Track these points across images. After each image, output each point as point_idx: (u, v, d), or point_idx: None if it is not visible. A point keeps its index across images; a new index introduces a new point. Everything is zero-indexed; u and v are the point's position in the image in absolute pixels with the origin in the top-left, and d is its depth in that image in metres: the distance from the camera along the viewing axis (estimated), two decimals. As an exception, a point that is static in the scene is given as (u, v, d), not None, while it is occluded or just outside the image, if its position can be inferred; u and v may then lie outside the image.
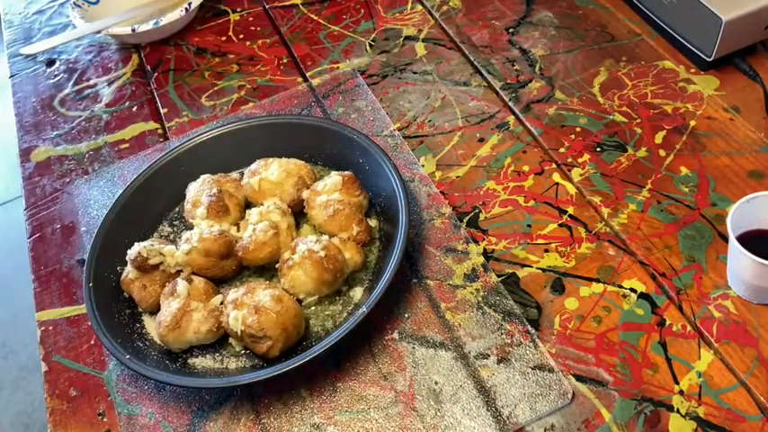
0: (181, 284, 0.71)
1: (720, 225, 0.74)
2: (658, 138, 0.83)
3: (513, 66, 0.95)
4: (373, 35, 1.04)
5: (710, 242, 0.73)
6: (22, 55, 1.12)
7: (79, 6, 1.10)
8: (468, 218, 0.79)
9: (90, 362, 0.75)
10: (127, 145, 0.96)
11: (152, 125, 0.99)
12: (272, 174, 0.79)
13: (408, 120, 0.91)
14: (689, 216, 0.75)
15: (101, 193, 0.90)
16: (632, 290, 0.71)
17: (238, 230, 0.78)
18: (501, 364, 0.67)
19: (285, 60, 1.04)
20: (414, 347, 0.70)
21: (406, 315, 0.72)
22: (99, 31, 1.07)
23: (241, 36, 1.09)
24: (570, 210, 0.78)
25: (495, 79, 0.94)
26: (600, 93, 0.89)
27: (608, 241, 0.75)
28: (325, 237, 0.74)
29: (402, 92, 0.95)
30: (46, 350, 0.77)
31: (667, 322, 0.68)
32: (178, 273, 0.75)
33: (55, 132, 1.01)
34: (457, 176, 0.84)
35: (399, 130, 0.90)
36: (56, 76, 1.10)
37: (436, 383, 0.67)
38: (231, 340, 0.72)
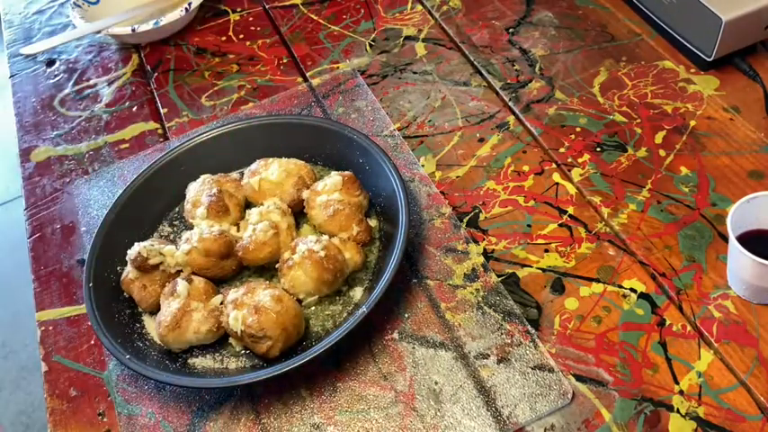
0: (181, 284, 0.71)
1: (720, 225, 0.74)
2: (658, 138, 0.83)
3: (513, 66, 0.95)
4: (373, 35, 1.04)
5: (710, 242, 0.73)
6: (22, 55, 1.12)
7: (79, 6, 1.10)
8: (468, 218, 0.79)
9: (90, 362, 0.75)
10: (127, 145, 0.96)
11: (152, 125, 0.99)
12: (272, 174, 0.79)
13: (408, 120, 0.91)
14: (689, 216, 0.75)
15: (101, 193, 0.90)
16: (632, 290, 0.71)
17: (238, 230, 0.78)
18: (501, 364, 0.67)
19: (285, 60, 1.04)
20: (414, 347, 0.70)
21: (406, 315, 0.72)
22: (99, 31, 1.07)
23: (241, 36, 1.09)
24: (570, 210, 0.78)
25: (495, 79, 0.94)
26: (600, 93, 0.89)
27: (608, 241, 0.75)
28: (325, 237, 0.74)
29: (402, 92, 0.95)
30: (46, 350, 0.77)
31: (667, 322, 0.68)
32: (178, 273, 0.75)
33: (55, 132, 1.01)
34: (457, 176, 0.84)
35: (399, 130, 0.90)
36: (56, 76, 1.10)
37: (436, 383, 0.67)
38: (231, 340, 0.72)
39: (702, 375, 0.64)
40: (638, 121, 0.85)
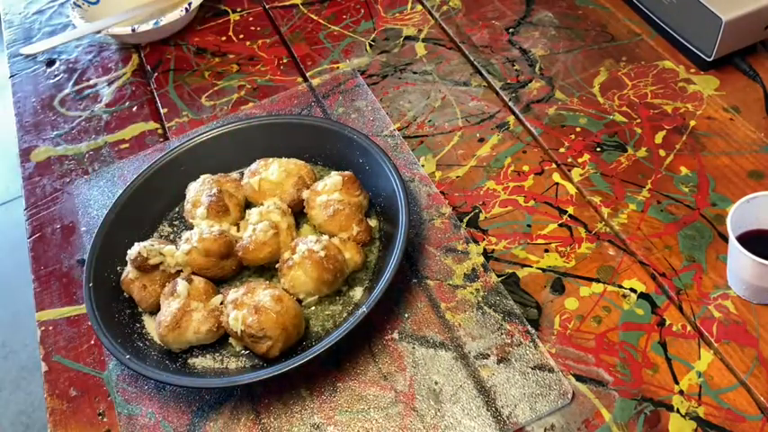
0: (181, 284, 0.71)
1: (720, 225, 0.74)
2: (658, 138, 0.83)
3: (513, 66, 0.95)
4: (373, 35, 1.04)
5: (710, 242, 0.73)
6: (22, 55, 1.12)
7: (79, 6, 1.10)
8: (468, 218, 0.79)
9: (90, 362, 0.75)
10: (127, 145, 0.96)
11: (152, 125, 0.99)
12: (272, 174, 0.79)
13: (408, 120, 0.91)
14: (689, 216, 0.75)
15: (101, 193, 0.90)
16: (632, 290, 0.71)
17: (238, 230, 0.78)
18: (501, 364, 0.67)
19: (285, 60, 1.04)
20: (414, 347, 0.70)
21: (406, 315, 0.72)
22: (99, 31, 1.07)
23: (241, 36, 1.09)
24: (570, 210, 0.78)
25: (495, 79, 0.94)
26: (600, 93, 0.89)
27: (608, 241, 0.75)
28: (325, 237, 0.74)
29: (402, 92, 0.95)
30: (46, 350, 0.77)
31: (667, 322, 0.68)
32: (178, 273, 0.75)
33: (55, 132, 1.01)
34: (457, 176, 0.84)
35: (399, 130, 0.90)
36: (56, 76, 1.10)
37: (436, 383, 0.67)
38: (231, 340, 0.72)
39: (702, 375, 0.64)
40: (638, 121, 0.85)
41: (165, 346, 0.71)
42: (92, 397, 0.72)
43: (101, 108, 1.03)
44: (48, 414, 0.72)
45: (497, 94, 0.92)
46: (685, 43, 0.89)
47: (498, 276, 0.74)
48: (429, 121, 0.91)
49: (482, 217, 0.79)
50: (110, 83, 1.06)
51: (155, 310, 0.74)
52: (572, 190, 0.80)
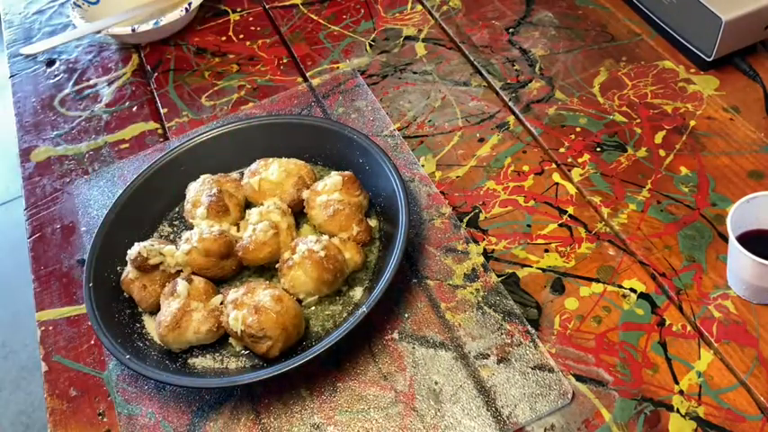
0: (181, 284, 0.71)
1: (720, 225, 0.74)
2: (658, 138, 0.83)
3: (513, 66, 0.95)
4: (373, 35, 1.04)
5: (710, 242, 0.73)
6: (22, 55, 1.12)
7: (79, 6, 1.10)
8: (468, 218, 0.79)
9: (90, 362, 0.75)
10: (127, 145, 0.96)
11: (152, 125, 0.99)
12: (272, 174, 0.79)
13: (408, 120, 0.91)
14: (689, 216, 0.75)
15: (101, 193, 0.90)
16: (632, 290, 0.71)
17: (238, 230, 0.78)
18: (501, 364, 0.67)
19: (285, 60, 1.04)
20: (414, 347, 0.70)
21: (406, 315, 0.72)
22: (99, 31, 1.07)
23: (241, 36, 1.09)
24: (570, 210, 0.78)
25: (495, 79, 0.94)
26: (600, 93, 0.89)
27: (608, 241, 0.75)
28: (325, 237, 0.74)
29: (402, 92, 0.95)
30: (46, 350, 0.77)
31: (667, 322, 0.68)
32: (178, 273, 0.75)
33: (55, 132, 1.01)
34: (457, 176, 0.84)
35: (399, 130, 0.90)
36: (56, 76, 1.10)
37: (436, 383, 0.67)
38: (231, 340, 0.72)
39: (702, 375, 0.64)
40: (638, 121, 0.85)
41: (165, 346, 0.71)
42: (92, 397, 0.72)
43: (101, 108, 1.03)
44: (48, 414, 0.72)
45: (497, 94, 0.92)
46: (685, 43, 0.89)
47: (498, 276, 0.74)
48: (429, 121, 0.91)
49: (482, 217, 0.79)
50: (110, 83, 1.06)
51: (155, 310, 0.74)
52: (572, 190, 0.80)
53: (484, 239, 0.77)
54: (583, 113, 0.87)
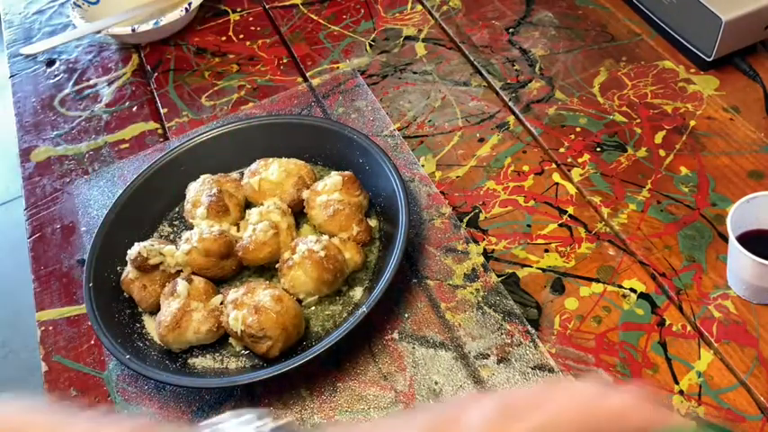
0: (181, 284, 0.71)
1: (720, 225, 0.74)
2: (658, 138, 0.83)
3: (513, 66, 0.95)
4: (373, 35, 1.04)
5: (710, 242, 0.73)
6: (22, 55, 1.12)
7: (79, 6, 1.10)
8: (468, 218, 0.79)
9: (90, 362, 0.75)
10: (127, 145, 0.96)
11: (152, 125, 0.99)
12: (272, 174, 0.79)
13: (408, 120, 0.91)
14: (689, 216, 0.75)
15: (101, 193, 0.90)
16: (632, 290, 0.71)
17: (238, 230, 0.78)
18: (501, 364, 0.67)
19: (285, 60, 1.04)
20: (414, 347, 0.70)
21: (406, 315, 0.72)
22: (99, 31, 1.07)
23: (241, 36, 1.09)
24: (570, 210, 0.78)
25: (495, 79, 0.94)
26: (600, 93, 0.89)
27: (608, 241, 0.75)
28: (325, 237, 0.74)
29: (402, 92, 0.95)
30: (46, 350, 0.77)
31: (667, 322, 0.68)
32: (178, 273, 0.75)
33: (55, 132, 1.01)
34: (457, 176, 0.84)
35: (399, 130, 0.90)
36: (56, 76, 1.10)
37: (436, 383, 0.67)
38: (231, 340, 0.72)
39: (702, 375, 0.64)
40: (638, 121, 0.85)
41: (165, 346, 0.71)
42: (92, 397, 0.72)
43: (101, 108, 1.03)
44: (48, 414, 0.72)
45: (497, 94, 0.92)
46: (685, 43, 0.89)
47: (498, 276, 0.74)
48: (429, 121, 0.91)
49: (482, 217, 0.79)
50: (110, 83, 1.06)
51: (155, 310, 0.74)
52: (572, 190, 0.80)
53: (484, 239, 0.77)
54: (583, 113, 0.87)
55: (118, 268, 0.77)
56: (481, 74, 0.95)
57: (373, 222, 0.79)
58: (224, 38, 1.09)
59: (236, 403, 0.69)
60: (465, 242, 0.77)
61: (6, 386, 1.79)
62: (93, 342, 0.76)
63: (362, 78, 0.97)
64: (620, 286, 0.71)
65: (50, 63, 1.12)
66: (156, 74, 1.06)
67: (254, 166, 0.81)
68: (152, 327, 0.74)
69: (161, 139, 0.96)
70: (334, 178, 0.77)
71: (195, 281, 0.72)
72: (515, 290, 0.73)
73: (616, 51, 0.94)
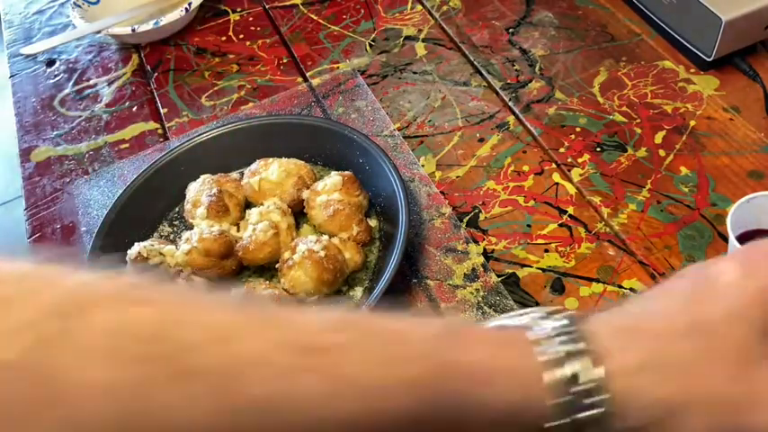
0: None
1: (720, 225, 0.74)
2: (658, 138, 0.83)
3: (513, 66, 0.95)
4: (373, 35, 1.04)
5: (710, 242, 0.73)
6: (22, 55, 1.12)
7: (79, 6, 1.10)
8: (468, 218, 0.79)
9: (90, 362, 0.75)
10: (127, 145, 0.96)
11: (152, 125, 0.99)
12: (272, 174, 0.79)
13: (408, 120, 0.91)
14: (689, 216, 0.75)
15: (101, 193, 0.90)
16: (632, 290, 0.71)
17: (238, 230, 0.78)
18: (501, 364, 0.67)
19: (285, 60, 1.04)
20: (414, 347, 0.70)
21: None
22: (99, 31, 1.07)
23: (241, 36, 1.09)
24: (570, 210, 0.78)
25: (495, 79, 0.94)
26: (600, 93, 0.89)
27: (608, 241, 0.75)
28: (325, 237, 0.74)
29: (402, 92, 0.95)
30: (46, 350, 0.77)
31: (667, 322, 0.68)
32: (178, 273, 0.75)
33: (55, 132, 1.01)
34: (457, 176, 0.84)
35: (399, 130, 0.90)
36: (56, 76, 1.10)
37: (436, 383, 0.67)
38: (231, 340, 0.72)
39: (702, 375, 0.64)
40: (638, 121, 0.85)
41: (165, 346, 0.71)
42: (92, 397, 0.72)
43: (101, 108, 1.03)
44: (48, 414, 0.72)
45: (497, 94, 0.92)
46: (685, 43, 0.89)
47: (498, 276, 0.74)
48: (429, 121, 0.91)
49: (482, 217, 0.79)
50: (110, 83, 1.06)
51: (155, 310, 0.74)
52: (572, 190, 0.80)
53: (484, 239, 0.77)
54: (583, 113, 0.87)
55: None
56: (481, 74, 0.95)
57: (373, 222, 0.79)
58: (224, 38, 1.09)
59: (236, 403, 0.69)
60: (465, 242, 0.77)
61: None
62: (93, 342, 0.76)
63: (362, 78, 0.97)
64: (621, 286, 0.71)
65: (50, 63, 1.12)
66: (156, 74, 1.06)
67: (254, 166, 0.81)
68: (152, 327, 0.74)
69: (161, 139, 0.96)
70: (334, 178, 0.77)
71: (195, 281, 0.72)
72: (515, 290, 0.73)
73: (616, 51, 0.94)
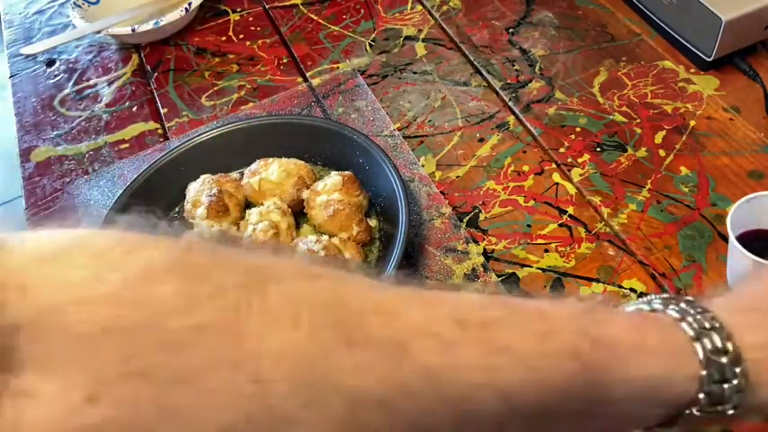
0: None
1: (720, 225, 0.74)
2: (658, 138, 0.83)
3: (513, 66, 0.95)
4: (373, 35, 1.04)
5: (710, 242, 0.73)
6: (22, 55, 1.12)
7: (79, 6, 1.10)
8: (468, 218, 0.79)
9: (90, 362, 0.75)
10: (127, 145, 0.96)
11: (152, 125, 0.99)
12: (272, 174, 0.79)
13: (408, 120, 0.91)
14: (689, 216, 0.75)
15: (101, 193, 0.90)
16: (632, 290, 0.71)
17: (238, 230, 0.78)
18: (501, 364, 0.67)
19: (285, 60, 1.04)
20: (414, 347, 0.70)
21: (406, 315, 0.72)
22: (99, 31, 1.07)
23: (241, 36, 1.09)
24: (570, 210, 0.78)
25: (495, 79, 0.94)
26: (600, 93, 0.89)
27: (608, 241, 0.75)
28: (326, 237, 0.74)
29: (402, 92, 0.95)
30: (46, 350, 0.77)
31: (667, 322, 0.68)
32: (178, 273, 0.75)
33: (55, 132, 1.01)
34: (457, 176, 0.84)
35: (399, 130, 0.90)
36: (56, 76, 1.10)
37: (436, 383, 0.67)
38: (231, 340, 0.72)
39: (702, 375, 0.64)
40: (638, 121, 0.85)
41: (165, 346, 0.71)
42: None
43: (101, 108, 1.03)
44: (48, 414, 0.72)
45: (497, 94, 0.92)
46: (685, 43, 0.89)
47: (498, 276, 0.74)
48: (429, 121, 0.91)
49: (482, 217, 0.79)
50: (110, 83, 1.06)
51: (155, 310, 0.74)
52: (572, 190, 0.80)
53: (484, 239, 0.77)
54: (583, 113, 0.87)
55: (118, 268, 0.77)
56: (481, 74, 0.95)
57: (373, 222, 0.79)
58: (224, 38, 1.09)
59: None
60: (465, 242, 0.77)
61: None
62: (93, 342, 0.76)
63: (362, 78, 0.97)
64: (620, 286, 0.71)
65: (50, 63, 1.12)
66: (156, 74, 1.06)
67: (254, 166, 0.81)
68: (152, 327, 0.74)
69: (161, 139, 0.96)
70: (334, 178, 0.77)
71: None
72: (515, 290, 0.72)
73: (616, 51, 0.94)
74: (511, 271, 0.74)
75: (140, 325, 0.30)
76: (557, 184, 0.81)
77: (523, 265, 0.74)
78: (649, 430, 0.41)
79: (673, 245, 0.73)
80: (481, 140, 0.87)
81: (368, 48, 1.02)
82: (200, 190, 0.79)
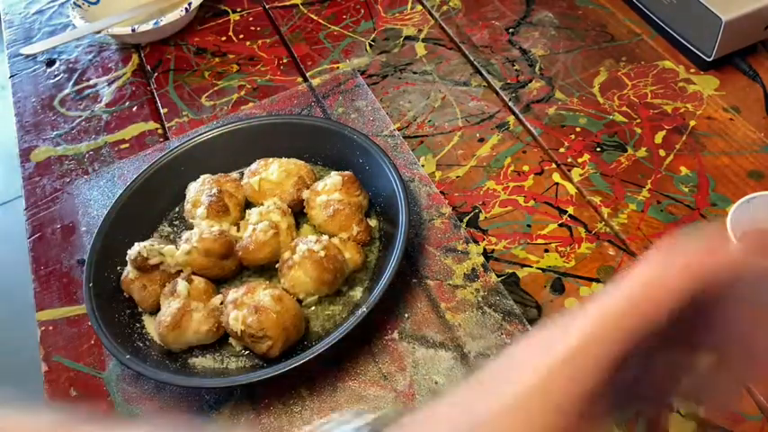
0: (181, 284, 0.71)
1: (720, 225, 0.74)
2: (658, 138, 0.83)
3: (513, 66, 0.95)
4: (373, 35, 1.04)
5: (710, 242, 0.73)
6: (22, 55, 1.12)
7: (79, 6, 1.10)
8: (468, 218, 0.79)
9: (90, 362, 0.75)
10: (127, 145, 0.96)
11: (152, 125, 0.99)
12: (272, 174, 0.79)
13: (408, 120, 0.91)
14: (689, 216, 0.75)
15: (101, 193, 0.90)
16: (632, 290, 0.71)
17: (238, 230, 0.78)
18: (501, 364, 0.67)
19: (285, 60, 1.04)
20: (414, 347, 0.70)
21: (406, 315, 0.72)
22: (99, 31, 1.07)
23: (241, 36, 1.09)
24: (570, 210, 0.78)
25: (495, 79, 0.94)
26: (600, 93, 0.89)
27: (608, 241, 0.75)
28: (326, 237, 0.74)
29: (402, 92, 0.95)
30: (46, 350, 0.77)
31: (667, 322, 0.68)
32: (178, 273, 0.75)
33: (55, 132, 1.01)
34: (457, 176, 0.84)
35: (399, 130, 0.90)
36: (56, 76, 1.10)
37: (436, 383, 0.67)
38: (231, 340, 0.72)
39: (702, 375, 0.64)
40: (638, 121, 0.85)
41: (165, 346, 0.71)
42: (92, 397, 0.72)
43: (101, 108, 1.03)
44: (48, 414, 0.72)
45: (497, 94, 0.92)
46: (685, 43, 0.89)
47: (498, 276, 0.74)
48: (429, 121, 0.91)
49: (482, 217, 0.79)
50: (110, 83, 1.06)
51: (155, 310, 0.74)
52: (572, 190, 0.80)
53: (484, 239, 0.77)
54: (583, 113, 0.87)
55: (118, 268, 0.77)
56: (481, 74, 0.95)
57: (373, 222, 0.79)
58: (224, 38, 1.09)
59: (236, 403, 0.69)
60: (465, 242, 0.77)
61: (6, 386, 1.78)
62: (93, 342, 0.76)
63: (362, 78, 0.97)
64: (620, 286, 0.71)
65: (50, 63, 1.12)
66: (156, 74, 1.06)
67: (254, 166, 0.81)
68: (152, 327, 0.74)
69: (161, 139, 0.96)
70: (334, 178, 0.77)
71: (195, 281, 0.72)
72: (515, 290, 0.73)
73: (616, 51, 0.94)
74: (511, 271, 0.74)
75: None
76: (557, 184, 0.81)
77: (523, 265, 0.74)
78: None
79: (673, 245, 0.73)
80: (481, 140, 0.87)
81: (368, 48, 1.02)
82: (200, 190, 0.79)
